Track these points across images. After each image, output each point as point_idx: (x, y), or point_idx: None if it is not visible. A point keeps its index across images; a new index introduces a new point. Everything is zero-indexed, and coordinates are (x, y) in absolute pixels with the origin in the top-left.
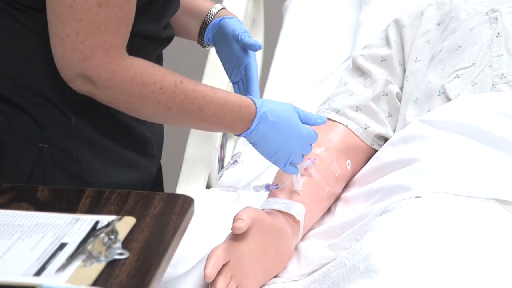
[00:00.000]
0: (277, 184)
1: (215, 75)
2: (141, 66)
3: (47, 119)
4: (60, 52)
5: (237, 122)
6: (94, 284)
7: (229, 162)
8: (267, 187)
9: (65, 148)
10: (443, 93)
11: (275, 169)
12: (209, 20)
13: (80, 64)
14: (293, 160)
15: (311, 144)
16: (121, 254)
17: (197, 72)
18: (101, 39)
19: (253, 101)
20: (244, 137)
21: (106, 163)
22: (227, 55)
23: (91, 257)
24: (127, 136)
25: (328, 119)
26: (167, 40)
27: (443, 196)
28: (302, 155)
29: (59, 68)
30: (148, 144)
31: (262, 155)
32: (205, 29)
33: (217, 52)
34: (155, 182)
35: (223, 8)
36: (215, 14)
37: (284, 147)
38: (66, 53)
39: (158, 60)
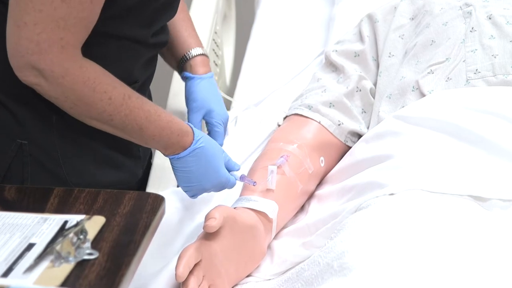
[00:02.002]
0: (254, 182)
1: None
2: (96, 71)
3: (27, 116)
4: (15, 39)
5: (170, 147)
6: (62, 284)
7: None
8: (242, 178)
9: (45, 145)
10: (417, 88)
11: (251, 162)
12: (186, 60)
13: (34, 55)
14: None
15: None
16: (90, 254)
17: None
18: (59, 35)
19: (193, 132)
20: (169, 159)
21: (87, 163)
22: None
23: (59, 257)
24: (111, 136)
25: (301, 115)
26: (159, 45)
27: (417, 193)
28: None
29: (10, 55)
30: (133, 144)
31: (177, 180)
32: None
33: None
34: (142, 184)
35: (201, 55)
36: (194, 56)
37: (199, 183)
38: (21, 42)
39: (149, 64)
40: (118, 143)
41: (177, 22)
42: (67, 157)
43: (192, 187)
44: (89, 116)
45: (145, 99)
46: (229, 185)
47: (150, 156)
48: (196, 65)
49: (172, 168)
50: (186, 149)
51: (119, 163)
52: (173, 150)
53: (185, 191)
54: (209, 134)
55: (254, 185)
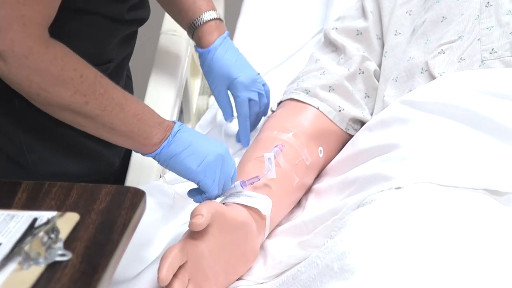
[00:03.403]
0: (257, 176)
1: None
2: (63, 50)
3: None
4: None
5: (158, 127)
6: None
7: None
8: (243, 183)
9: (7, 132)
10: (426, 70)
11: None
12: (196, 26)
13: None
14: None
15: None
16: (62, 255)
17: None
18: (20, 12)
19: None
20: (167, 144)
21: (55, 151)
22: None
23: (28, 258)
24: None
25: (298, 100)
26: (136, 22)
27: (426, 186)
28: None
29: None
30: None
31: (189, 166)
32: (192, 33)
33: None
34: (119, 175)
35: (215, 19)
36: (203, 23)
37: (209, 151)
38: None
39: (126, 42)
40: None
41: None
42: (32, 144)
43: (207, 159)
44: (60, 103)
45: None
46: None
47: None
48: (205, 35)
49: (170, 160)
50: (173, 126)
51: (92, 151)
52: (163, 132)
53: (202, 179)
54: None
55: (259, 180)
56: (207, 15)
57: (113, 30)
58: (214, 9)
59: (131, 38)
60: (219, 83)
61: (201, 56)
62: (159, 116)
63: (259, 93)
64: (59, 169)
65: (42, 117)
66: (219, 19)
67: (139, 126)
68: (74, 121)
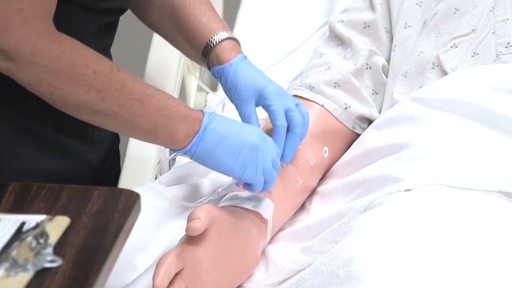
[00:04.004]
0: None
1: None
2: (72, 43)
3: None
4: None
5: (184, 122)
6: None
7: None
8: (238, 183)
9: None
10: (437, 65)
11: None
12: (214, 44)
13: None
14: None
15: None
16: (52, 261)
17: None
18: (17, 6)
19: (202, 111)
20: (196, 141)
21: (24, 146)
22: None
23: (15, 265)
24: (55, 114)
25: (301, 97)
26: (113, 12)
27: (438, 188)
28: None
29: None
30: (86, 126)
31: (225, 163)
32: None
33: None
34: (101, 174)
35: (233, 39)
36: (222, 40)
37: (243, 144)
38: None
39: (103, 33)
40: (66, 122)
41: (190, 7)
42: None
43: (243, 152)
44: (75, 101)
45: (135, 77)
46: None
47: (115, 142)
48: (223, 52)
49: (205, 158)
50: (202, 119)
51: (67, 147)
52: (191, 127)
53: (242, 174)
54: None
55: None
56: (224, 34)
57: (86, 20)
58: (229, 30)
59: (109, 29)
60: (246, 95)
61: (222, 72)
62: (186, 107)
63: (296, 104)
64: (27, 166)
65: (8, 108)
66: (237, 40)
67: (162, 122)
68: (93, 120)
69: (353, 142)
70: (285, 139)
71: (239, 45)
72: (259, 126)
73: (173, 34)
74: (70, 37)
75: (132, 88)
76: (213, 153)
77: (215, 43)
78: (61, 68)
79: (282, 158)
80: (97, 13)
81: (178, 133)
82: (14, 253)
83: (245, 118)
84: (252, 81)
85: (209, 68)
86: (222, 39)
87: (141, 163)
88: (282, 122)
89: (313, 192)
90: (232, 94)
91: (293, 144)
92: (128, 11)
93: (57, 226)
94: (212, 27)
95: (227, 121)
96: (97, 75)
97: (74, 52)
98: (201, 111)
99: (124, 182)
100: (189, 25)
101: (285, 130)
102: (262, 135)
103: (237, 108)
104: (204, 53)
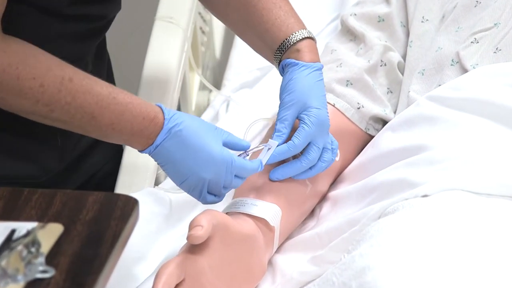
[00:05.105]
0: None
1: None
2: (19, 53)
3: None
4: None
5: (137, 136)
6: None
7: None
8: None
9: None
10: (457, 62)
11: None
12: (297, 40)
13: None
14: (211, 191)
15: (236, 176)
16: (44, 271)
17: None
18: None
19: (162, 110)
20: (148, 154)
21: None
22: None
23: (5, 275)
24: (13, 116)
25: None
26: (87, 19)
27: (458, 194)
28: (224, 187)
29: None
30: (49, 130)
31: (172, 180)
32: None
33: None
34: (63, 180)
35: (307, 39)
36: (304, 38)
37: (193, 173)
38: None
39: (79, 41)
40: (24, 125)
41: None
42: None
43: (188, 181)
44: (25, 110)
45: (97, 80)
46: (236, 166)
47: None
48: (303, 51)
49: (160, 166)
50: (157, 135)
51: (24, 151)
52: (144, 141)
53: (188, 193)
54: None
55: (247, 155)
56: (305, 32)
57: (50, 25)
58: (305, 27)
59: (90, 36)
60: (294, 103)
61: (289, 69)
62: (144, 119)
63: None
64: None
65: None
66: (315, 39)
67: (113, 134)
68: (49, 122)
69: (366, 145)
70: (296, 163)
71: (315, 42)
72: (287, 134)
73: (241, 26)
74: (21, 44)
75: (84, 101)
76: (163, 168)
77: (298, 39)
78: (6, 81)
79: (272, 174)
80: (65, 18)
81: (132, 144)
82: (3, 262)
83: (280, 120)
84: (306, 92)
85: (277, 65)
86: (306, 36)
87: (139, 165)
88: (296, 148)
89: (323, 198)
90: (282, 93)
91: (297, 171)
92: (122, 10)
93: (50, 234)
94: (290, 23)
95: (188, 138)
96: (44, 89)
97: (20, 65)
98: (163, 121)
99: (122, 187)
100: (264, 18)
101: (291, 155)
102: (221, 160)
103: (279, 107)
104: (279, 50)
